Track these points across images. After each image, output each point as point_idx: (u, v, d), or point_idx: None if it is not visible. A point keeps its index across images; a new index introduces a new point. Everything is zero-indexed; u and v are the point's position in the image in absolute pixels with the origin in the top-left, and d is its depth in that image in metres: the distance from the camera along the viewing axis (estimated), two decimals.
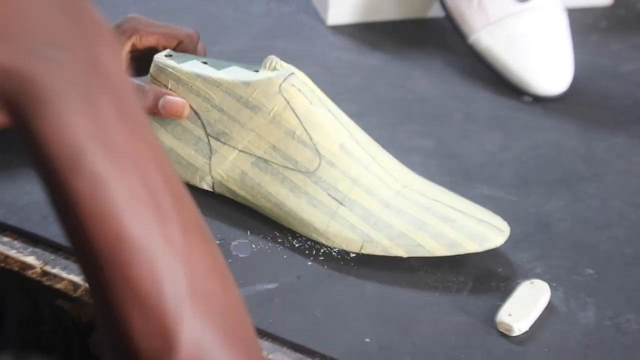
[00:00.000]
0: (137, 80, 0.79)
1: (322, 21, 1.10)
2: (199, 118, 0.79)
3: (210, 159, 0.79)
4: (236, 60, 0.98)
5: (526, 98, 1.00)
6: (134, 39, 0.81)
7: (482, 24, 1.02)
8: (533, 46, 1.00)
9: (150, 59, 0.81)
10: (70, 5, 0.46)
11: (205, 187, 0.79)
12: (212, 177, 0.79)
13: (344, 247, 0.76)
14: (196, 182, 0.79)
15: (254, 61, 1.00)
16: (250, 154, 0.77)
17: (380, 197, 0.76)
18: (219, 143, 0.78)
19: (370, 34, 1.09)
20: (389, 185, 0.77)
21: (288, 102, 0.77)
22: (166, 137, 0.80)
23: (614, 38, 1.13)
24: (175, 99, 0.78)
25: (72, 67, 0.45)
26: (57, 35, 0.45)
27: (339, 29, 1.09)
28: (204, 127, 0.79)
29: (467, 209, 0.77)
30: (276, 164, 0.77)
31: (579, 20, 1.12)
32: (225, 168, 0.78)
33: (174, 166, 0.50)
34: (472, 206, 0.78)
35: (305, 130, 0.76)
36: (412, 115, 0.96)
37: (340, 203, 0.76)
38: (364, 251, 0.75)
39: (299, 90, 0.77)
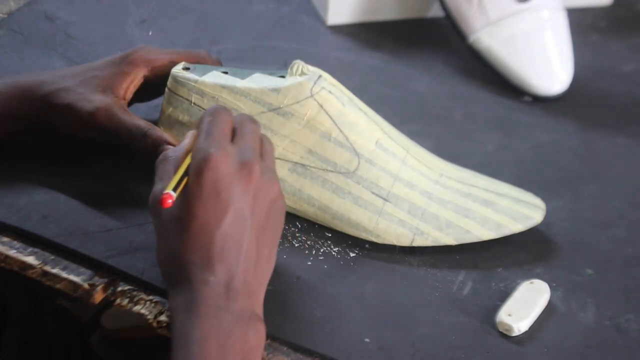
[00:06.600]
0: (141, 121, 0.77)
1: (322, 21, 1.10)
2: None
3: None
4: (237, 61, 0.99)
5: (526, 98, 1.00)
6: (145, 71, 0.80)
7: (482, 24, 1.02)
8: (533, 46, 1.00)
9: (162, 81, 0.80)
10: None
11: None
12: None
13: (395, 242, 0.77)
14: None
15: (255, 61, 1.00)
16: (287, 161, 0.77)
17: (422, 189, 0.77)
18: None
19: (370, 34, 1.09)
20: (427, 176, 0.78)
21: (321, 106, 0.77)
22: None
23: (614, 38, 1.13)
24: None
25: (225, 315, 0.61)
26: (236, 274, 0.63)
27: (339, 29, 1.09)
28: None
29: (502, 190, 0.80)
30: (315, 167, 0.77)
31: (579, 20, 1.12)
32: None
33: None
34: (506, 187, 0.81)
35: (341, 131, 0.77)
36: (412, 115, 0.96)
37: (385, 200, 0.76)
38: (415, 244, 0.77)
39: (330, 92, 0.77)
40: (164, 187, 0.64)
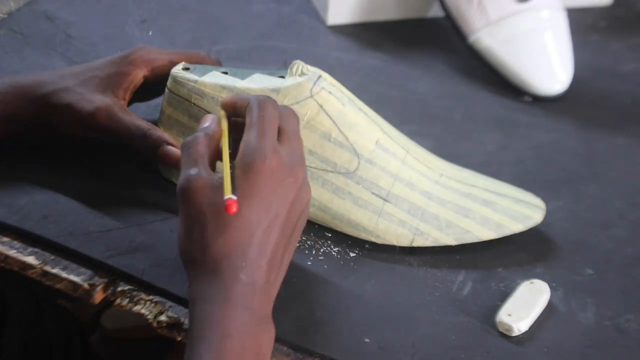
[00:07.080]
0: (141, 121, 0.77)
1: (322, 21, 1.10)
2: None
3: None
4: (237, 61, 0.99)
5: (526, 98, 1.00)
6: (145, 71, 0.80)
7: (482, 24, 1.02)
8: (533, 46, 1.00)
9: (162, 81, 0.80)
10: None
11: None
12: None
13: (395, 243, 0.77)
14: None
15: (255, 61, 1.00)
16: None
17: (422, 189, 0.77)
18: None
19: (370, 34, 1.09)
20: (427, 176, 0.78)
21: (321, 106, 0.76)
22: None
23: (614, 38, 1.13)
24: (172, 151, 0.76)
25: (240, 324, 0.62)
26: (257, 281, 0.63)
27: (339, 29, 1.09)
28: None
29: (502, 190, 0.80)
30: (315, 168, 0.77)
31: (579, 20, 1.12)
32: None
33: None
34: (506, 187, 0.81)
35: (341, 131, 0.77)
36: (412, 115, 0.96)
37: (385, 200, 0.76)
38: (415, 244, 0.77)
39: (330, 92, 0.77)
40: (207, 177, 0.63)
